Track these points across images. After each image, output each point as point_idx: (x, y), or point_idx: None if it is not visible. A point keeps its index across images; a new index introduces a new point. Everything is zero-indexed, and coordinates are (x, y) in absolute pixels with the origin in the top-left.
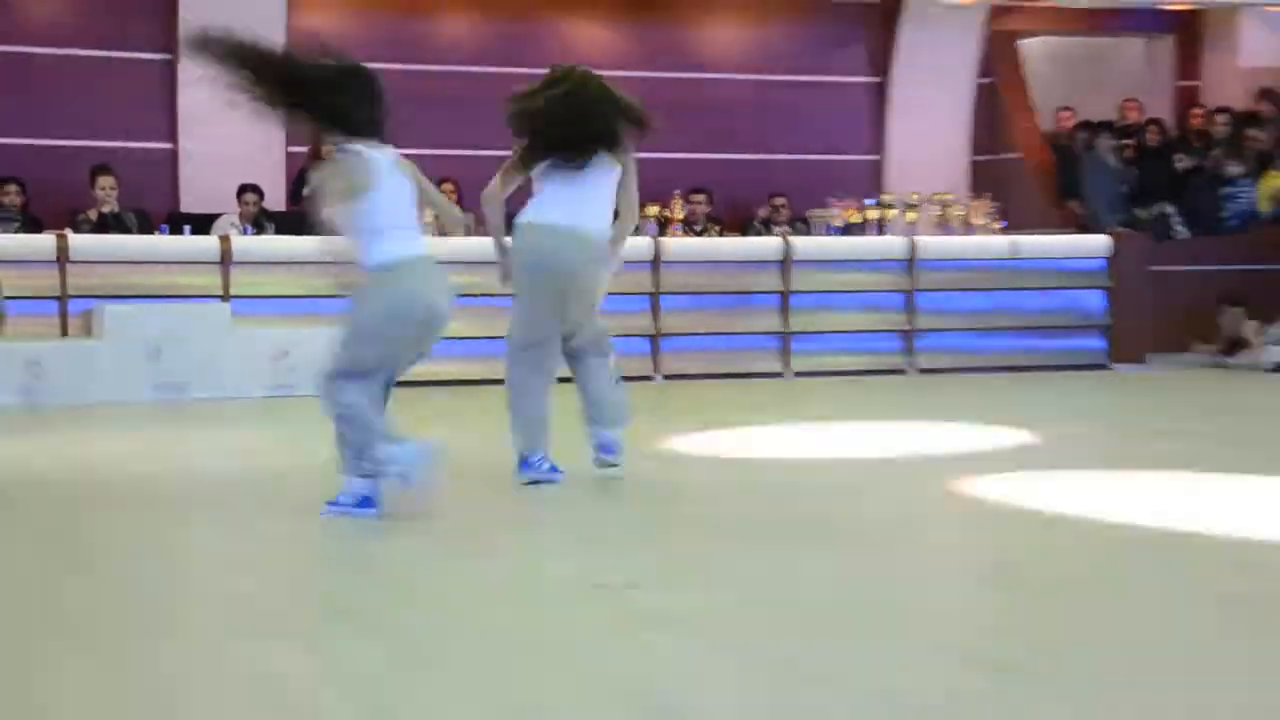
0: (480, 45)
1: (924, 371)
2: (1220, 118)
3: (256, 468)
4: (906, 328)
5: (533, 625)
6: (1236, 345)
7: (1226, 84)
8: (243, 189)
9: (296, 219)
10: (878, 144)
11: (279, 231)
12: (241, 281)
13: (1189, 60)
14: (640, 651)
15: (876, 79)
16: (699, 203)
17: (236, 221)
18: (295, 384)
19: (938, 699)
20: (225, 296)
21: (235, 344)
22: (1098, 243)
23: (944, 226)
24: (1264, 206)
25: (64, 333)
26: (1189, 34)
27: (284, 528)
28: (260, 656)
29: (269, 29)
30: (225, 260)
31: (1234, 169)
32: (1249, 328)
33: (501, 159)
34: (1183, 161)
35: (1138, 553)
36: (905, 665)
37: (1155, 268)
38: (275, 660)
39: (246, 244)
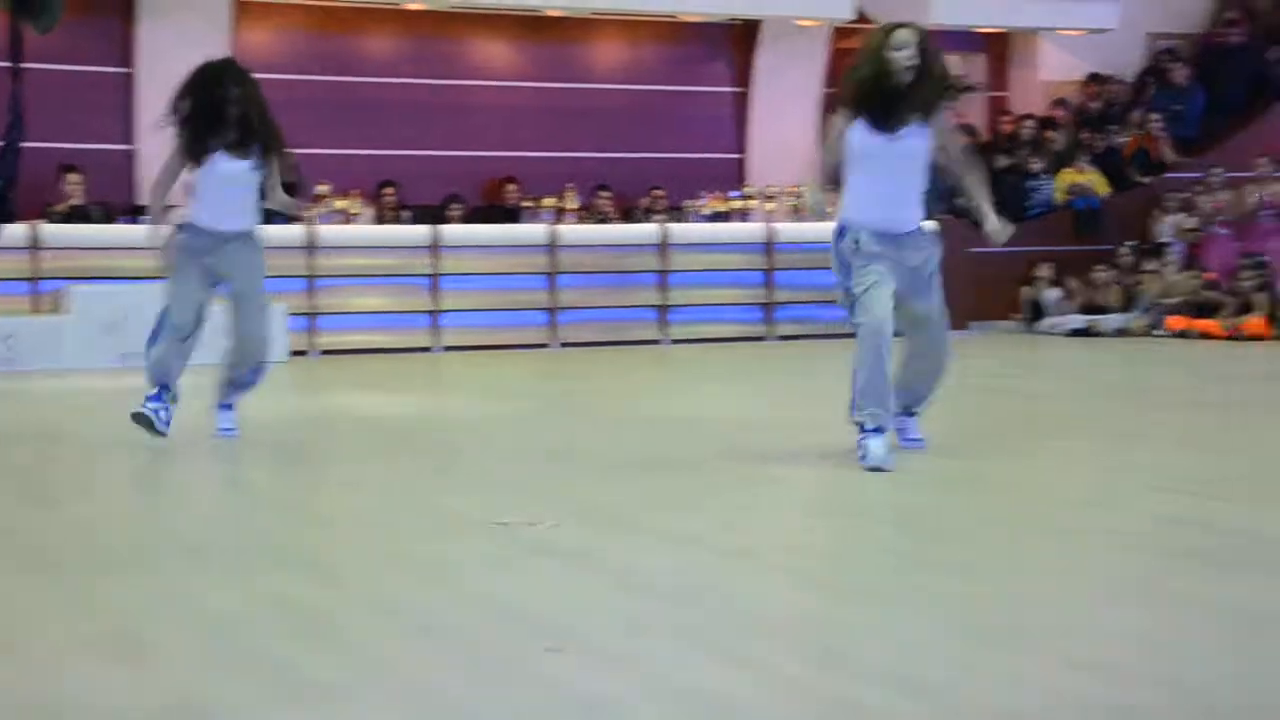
0: (400, 59)
1: (782, 338)
2: (1026, 122)
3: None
4: (766, 300)
5: (437, 556)
6: (1040, 314)
7: (1029, 94)
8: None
9: None
10: (740, 144)
11: None
12: None
13: (998, 74)
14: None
15: (739, 89)
16: (606, 198)
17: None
18: None
19: (784, 614)
20: None
21: None
22: (925, 228)
23: (798, 215)
24: (1059, 197)
25: (35, 310)
26: (997, 52)
27: (206, 468)
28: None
29: (216, 46)
30: None
31: (1036, 165)
32: (1050, 295)
33: (418, 157)
34: (1000, 162)
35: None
36: (755, 583)
37: (973, 249)
38: (202, 582)
39: None
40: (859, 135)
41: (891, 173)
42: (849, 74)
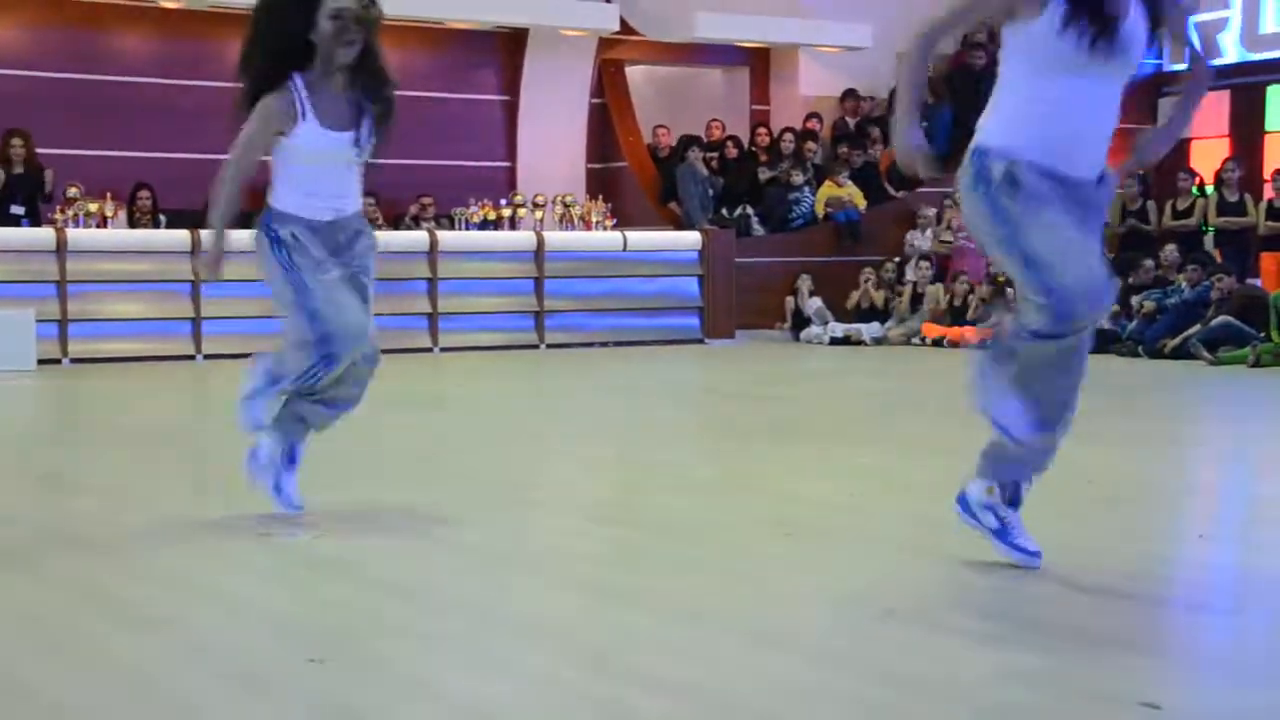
0: (156, 59)
1: (551, 346)
2: (786, 136)
3: None
4: (536, 309)
5: (208, 570)
6: (803, 323)
7: (791, 109)
8: None
9: None
10: (509, 152)
11: None
12: None
13: (760, 89)
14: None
15: (507, 97)
16: (370, 204)
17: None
18: None
19: (553, 619)
20: None
21: None
22: (692, 238)
23: (566, 223)
24: (820, 209)
25: None
26: (760, 67)
27: None
28: None
29: None
30: None
31: (798, 178)
32: (812, 305)
33: (175, 160)
34: (765, 173)
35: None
36: (523, 590)
37: (739, 259)
38: None
39: None
40: (1050, 23)
41: (1095, 88)
42: None
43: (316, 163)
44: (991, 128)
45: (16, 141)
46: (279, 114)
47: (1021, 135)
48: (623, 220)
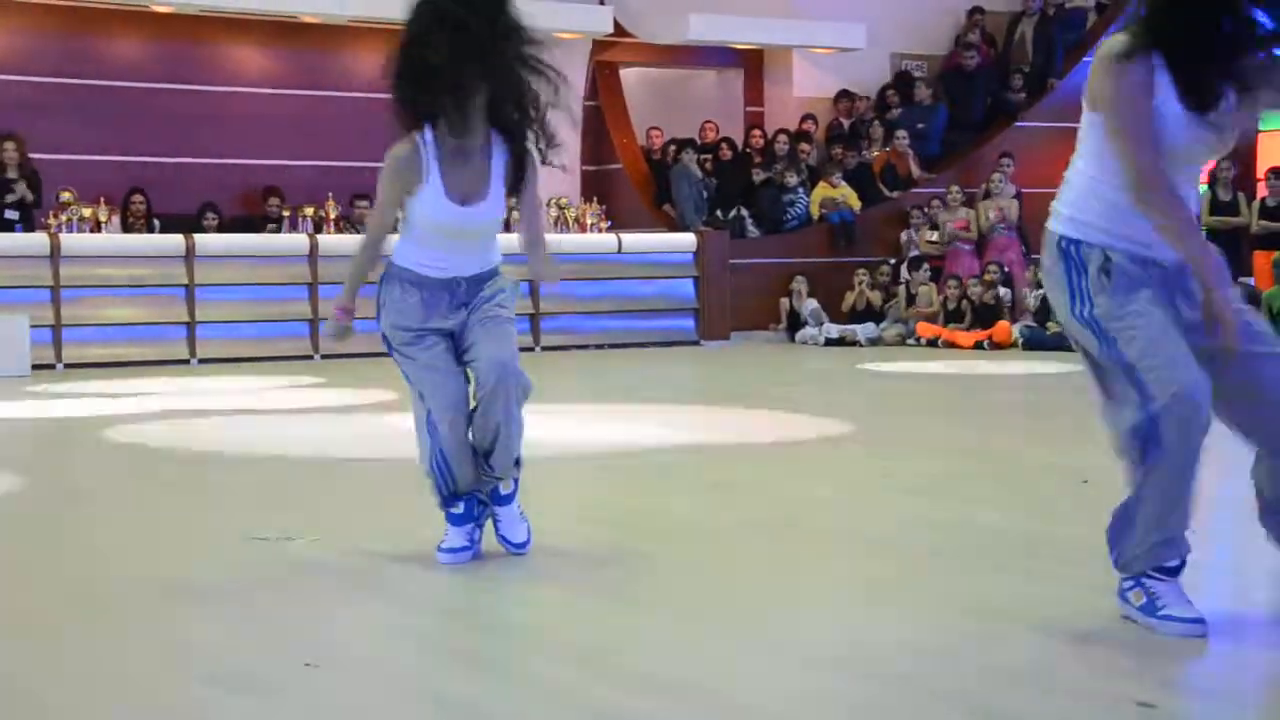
0: (149, 62)
1: (546, 349)
2: (780, 137)
3: None
4: (531, 312)
5: (207, 571)
6: (798, 324)
7: (785, 110)
8: None
9: None
10: None
11: None
12: None
13: (754, 90)
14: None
15: None
16: (364, 209)
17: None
18: None
19: (544, 620)
20: None
21: None
22: (686, 240)
23: (561, 226)
24: (815, 211)
25: None
26: (754, 69)
27: None
28: None
29: None
30: None
31: (792, 179)
32: (807, 306)
33: (168, 165)
34: (759, 175)
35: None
36: (521, 590)
37: (733, 261)
38: None
39: None
40: (1164, 102)
41: (1186, 166)
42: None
43: (436, 239)
44: (1074, 215)
45: (10, 145)
46: (402, 169)
47: (1108, 222)
48: (617, 222)
